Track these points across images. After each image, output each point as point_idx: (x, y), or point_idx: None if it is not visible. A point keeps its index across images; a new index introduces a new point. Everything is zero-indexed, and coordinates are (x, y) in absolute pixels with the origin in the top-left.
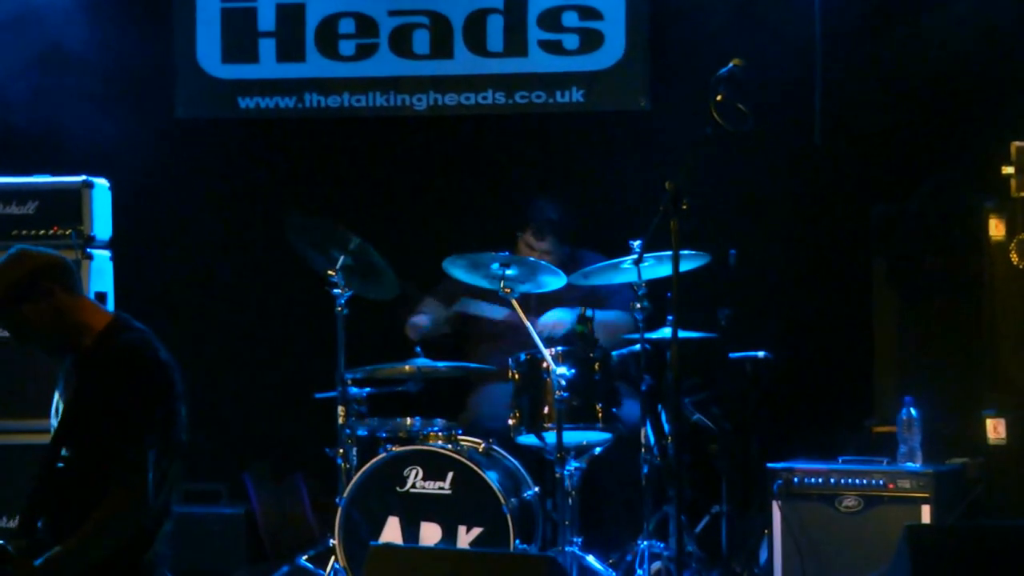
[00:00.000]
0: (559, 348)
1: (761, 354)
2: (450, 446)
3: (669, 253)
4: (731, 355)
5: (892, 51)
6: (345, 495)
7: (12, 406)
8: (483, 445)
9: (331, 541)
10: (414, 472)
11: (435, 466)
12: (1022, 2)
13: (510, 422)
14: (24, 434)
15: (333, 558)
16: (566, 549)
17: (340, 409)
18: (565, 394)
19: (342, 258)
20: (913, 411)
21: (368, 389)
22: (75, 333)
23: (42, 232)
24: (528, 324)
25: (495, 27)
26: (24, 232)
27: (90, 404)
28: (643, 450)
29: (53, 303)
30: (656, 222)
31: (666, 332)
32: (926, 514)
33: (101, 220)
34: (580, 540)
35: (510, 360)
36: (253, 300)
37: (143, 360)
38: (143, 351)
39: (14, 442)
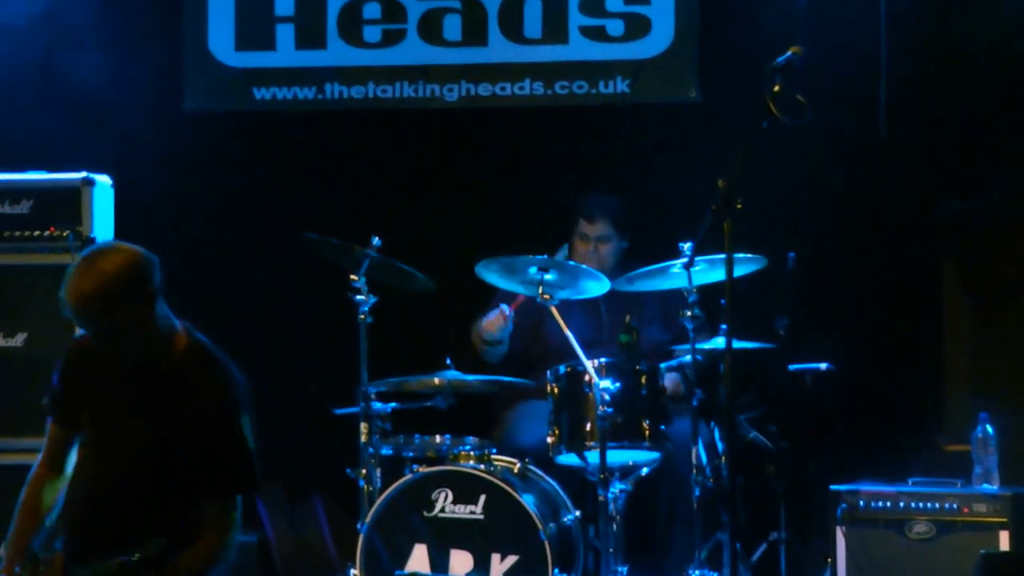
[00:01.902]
0: (602, 360)
1: (822, 366)
2: (483, 466)
3: (722, 256)
4: (790, 367)
5: (962, 35)
6: (367, 520)
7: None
8: (519, 465)
9: (352, 571)
10: (443, 495)
11: (466, 488)
12: None
13: (548, 440)
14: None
15: None
16: None
17: (363, 426)
18: (609, 410)
19: (367, 262)
20: (989, 428)
21: (393, 404)
22: (163, 343)
23: (37, 233)
24: (568, 333)
25: (533, 11)
26: (17, 233)
27: (196, 423)
28: (694, 471)
29: (150, 305)
30: (708, 223)
31: (719, 342)
32: (1004, 541)
33: (102, 221)
34: (625, 570)
35: (548, 373)
36: (268, 307)
37: (238, 378)
38: (232, 368)
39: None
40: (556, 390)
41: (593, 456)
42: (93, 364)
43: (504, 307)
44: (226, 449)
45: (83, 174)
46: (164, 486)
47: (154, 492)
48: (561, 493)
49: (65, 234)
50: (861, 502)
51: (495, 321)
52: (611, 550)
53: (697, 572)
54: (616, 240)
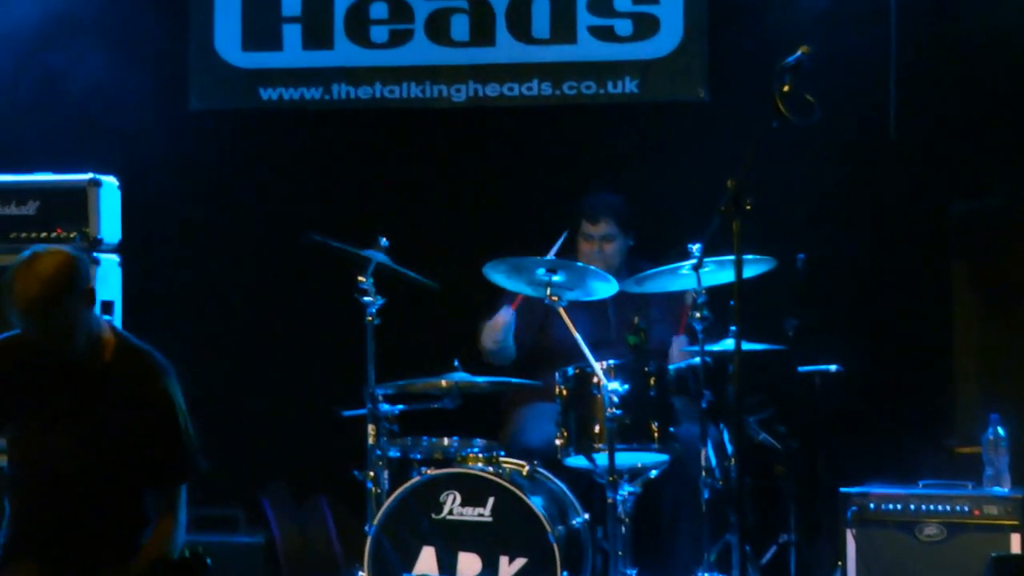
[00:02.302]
0: (611, 362)
1: (832, 367)
2: (491, 469)
3: (731, 257)
4: (799, 369)
5: (973, 36)
6: (375, 522)
7: None
8: (527, 468)
9: (359, 573)
10: (451, 497)
11: (474, 490)
12: None
13: (557, 442)
14: None
15: None
16: None
17: (370, 428)
18: (617, 411)
19: (373, 263)
20: (1000, 429)
21: (400, 406)
22: (97, 341)
23: (43, 234)
24: (577, 335)
25: (541, 11)
26: (23, 234)
27: (137, 419)
28: (703, 473)
29: (92, 303)
30: (717, 224)
31: (728, 344)
32: (1015, 543)
33: (109, 222)
34: (634, 572)
35: (557, 375)
36: (274, 308)
37: (169, 368)
38: (161, 359)
39: None
40: (564, 391)
41: (601, 458)
42: (22, 364)
43: (502, 311)
44: (171, 440)
45: (89, 175)
46: (108, 482)
47: (98, 489)
48: (569, 495)
49: (72, 235)
50: (871, 504)
51: (496, 324)
52: (620, 552)
53: (706, 574)
54: (621, 238)
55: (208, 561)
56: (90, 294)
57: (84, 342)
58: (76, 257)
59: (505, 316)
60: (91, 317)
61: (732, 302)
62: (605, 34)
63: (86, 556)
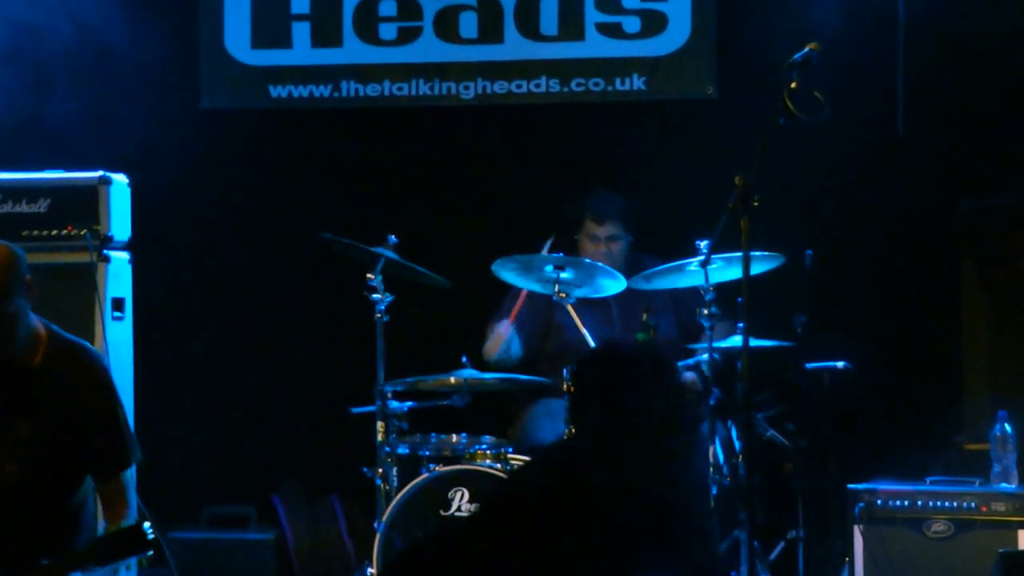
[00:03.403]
0: None
1: (840, 364)
2: (499, 465)
3: (739, 254)
4: (807, 366)
5: (982, 33)
6: (384, 519)
7: None
8: None
9: (369, 570)
10: (460, 494)
11: (483, 487)
12: None
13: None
14: None
15: None
16: None
17: (379, 425)
18: None
19: (382, 260)
20: (1008, 426)
21: (410, 403)
22: (34, 337)
23: (54, 232)
24: (584, 331)
25: (549, 8)
26: (35, 232)
27: (78, 413)
28: (712, 470)
29: (32, 297)
30: (725, 220)
31: (736, 341)
32: (1023, 540)
33: (119, 219)
34: None
35: (565, 371)
36: (284, 306)
37: (102, 360)
38: (95, 351)
39: None
40: (573, 388)
41: None
42: None
43: (500, 326)
44: (110, 430)
45: (100, 173)
46: (46, 480)
47: (37, 487)
48: None
49: (82, 233)
50: (879, 501)
51: (496, 341)
52: None
53: None
54: (624, 238)
55: (147, 529)
56: (30, 287)
57: (24, 338)
58: (15, 252)
59: (503, 331)
60: (30, 312)
61: (740, 299)
62: (613, 31)
63: (21, 553)
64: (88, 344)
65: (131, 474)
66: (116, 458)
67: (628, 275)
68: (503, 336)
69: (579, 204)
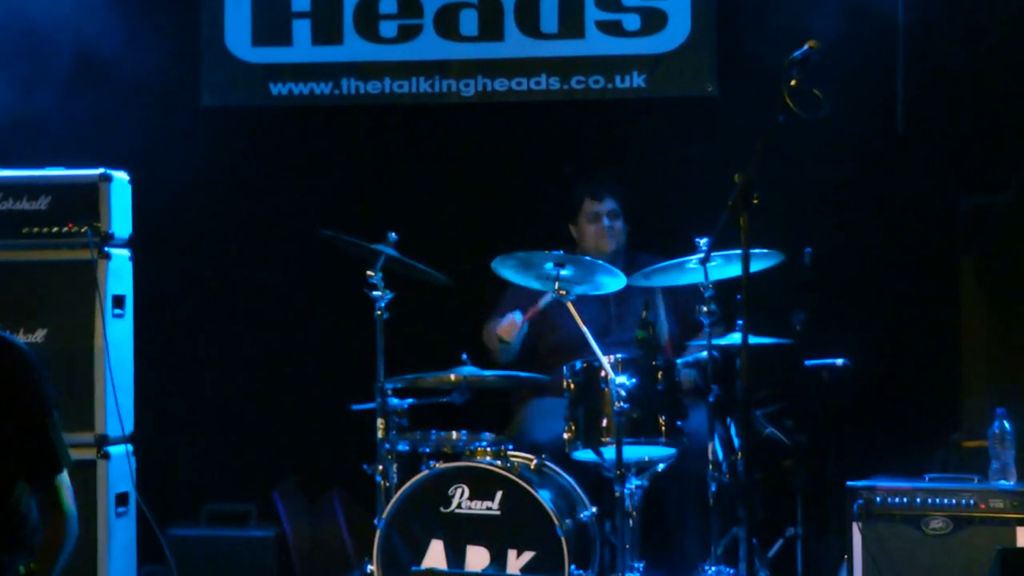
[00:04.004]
0: (619, 355)
1: (839, 362)
2: (499, 462)
3: (739, 252)
4: (806, 363)
5: (982, 29)
6: (384, 516)
7: None
8: (535, 461)
9: (369, 566)
10: (460, 491)
11: (483, 484)
12: None
13: (565, 436)
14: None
15: None
16: (626, 575)
17: (379, 422)
18: (625, 405)
19: (383, 257)
20: (1006, 423)
21: (410, 400)
22: None
23: (55, 229)
24: (584, 329)
25: (549, 6)
26: (36, 229)
27: (14, 415)
28: (710, 467)
29: None
30: (724, 218)
31: (736, 338)
32: (1021, 537)
33: (120, 217)
34: (641, 565)
35: (565, 369)
36: (285, 303)
37: (36, 358)
38: (28, 348)
39: None
40: (572, 386)
41: (609, 452)
42: None
43: (517, 316)
44: (43, 432)
45: (101, 170)
46: None
47: None
48: (577, 489)
49: (83, 230)
50: (878, 498)
51: (508, 328)
52: (627, 546)
53: (713, 568)
54: (622, 218)
55: None
56: None
57: None
58: None
59: (518, 322)
60: None
61: (739, 296)
62: (613, 29)
63: None
64: (19, 342)
65: (65, 480)
66: (45, 460)
67: (627, 272)
68: (518, 326)
69: (574, 192)
